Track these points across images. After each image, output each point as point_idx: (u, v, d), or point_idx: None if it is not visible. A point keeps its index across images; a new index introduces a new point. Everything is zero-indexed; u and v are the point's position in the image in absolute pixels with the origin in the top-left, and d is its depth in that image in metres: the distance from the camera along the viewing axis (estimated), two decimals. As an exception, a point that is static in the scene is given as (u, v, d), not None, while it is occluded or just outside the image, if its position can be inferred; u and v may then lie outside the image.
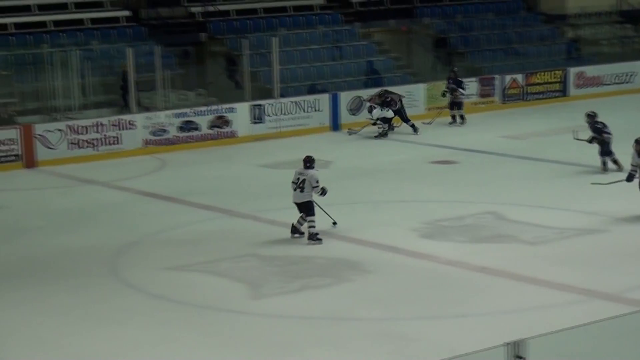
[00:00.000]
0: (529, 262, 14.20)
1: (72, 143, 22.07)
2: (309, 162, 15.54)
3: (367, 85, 27.12)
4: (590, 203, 17.22)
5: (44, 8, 26.40)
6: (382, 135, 24.29)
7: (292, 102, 25.07)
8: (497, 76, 28.39)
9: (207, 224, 16.77)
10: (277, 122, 24.64)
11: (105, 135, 22.47)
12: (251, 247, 15.25)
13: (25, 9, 26.20)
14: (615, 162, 19.13)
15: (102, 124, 22.51)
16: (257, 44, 26.58)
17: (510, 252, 14.76)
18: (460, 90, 25.66)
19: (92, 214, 17.74)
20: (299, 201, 15.41)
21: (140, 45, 25.26)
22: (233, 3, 29.08)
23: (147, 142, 23.01)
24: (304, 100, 25.17)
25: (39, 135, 21.75)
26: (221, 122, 24.03)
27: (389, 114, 24.52)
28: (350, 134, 24.55)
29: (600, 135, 19.31)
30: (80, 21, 26.40)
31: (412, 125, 24.76)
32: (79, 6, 26.94)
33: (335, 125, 25.45)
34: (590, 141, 19.46)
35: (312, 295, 13.14)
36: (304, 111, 25.11)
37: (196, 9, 28.21)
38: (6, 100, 23.51)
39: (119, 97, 24.67)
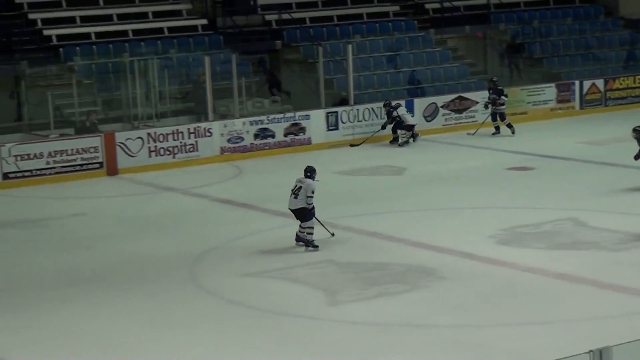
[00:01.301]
0: (610, 269, 13.96)
1: (151, 151, 22.31)
2: (309, 172, 15.69)
3: (441, 91, 26.91)
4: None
5: (124, 17, 26.80)
6: (405, 143, 24.16)
7: (367, 108, 25.01)
8: (575, 82, 27.97)
9: (283, 230, 16.78)
10: (352, 129, 24.60)
11: (183, 143, 22.66)
12: (327, 254, 15.22)
13: (106, 19, 26.63)
14: None
15: (180, 132, 22.72)
16: (332, 51, 26.61)
17: (590, 259, 14.53)
18: (503, 97, 25.13)
19: (171, 220, 17.90)
20: (293, 207, 15.53)
21: (216, 54, 25.48)
22: (308, 11, 29.15)
23: (223, 150, 23.16)
24: (379, 107, 25.07)
25: (121, 143, 22.03)
26: (296, 129, 24.10)
27: (412, 120, 24.34)
28: (352, 146, 24.28)
29: None
30: (159, 30, 26.73)
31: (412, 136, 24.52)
32: (158, 15, 27.28)
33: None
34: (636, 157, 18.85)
35: (389, 302, 13.07)
36: (379, 118, 25.00)
37: (271, 17, 28.34)
38: (89, 109, 23.86)
39: (196, 106, 24.87)
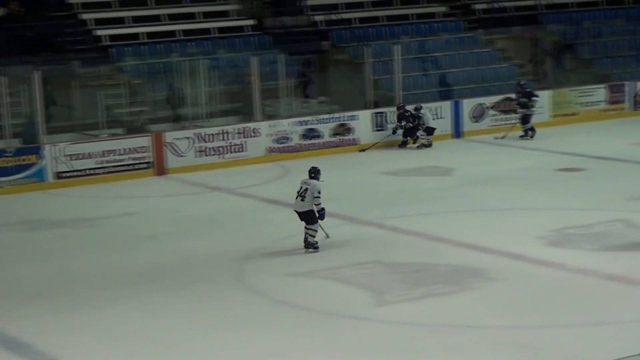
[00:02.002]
0: (663, 271, 13.79)
1: (199, 151, 22.42)
2: (313, 173, 15.66)
3: (489, 92, 26.74)
4: None
5: (173, 18, 26.98)
6: (424, 146, 23.98)
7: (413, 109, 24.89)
8: (627, 82, 27.66)
9: (330, 231, 16.76)
10: (399, 130, 24.48)
11: (230, 143, 22.76)
12: (374, 254, 15.20)
13: (156, 19, 26.82)
14: None
15: (227, 132, 22.82)
16: (380, 52, 26.55)
17: (642, 261, 14.37)
18: (535, 99, 24.73)
19: (219, 220, 17.97)
20: (300, 210, 15.48)
21: (264, 54, 25.54)
22: (356, 11, 29.12)
23: (270, 150, 23.21)
24: (426, 108, 24.95)
25: (169, 143, 22.16)
26: (343, 129, 24.08)
27: (434, 124, 24.20)
28: (362, 151, 23.91)
29: None
30: (207, 30, 26.87)
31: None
32: (206, 16, 27.43)
33: (457, 133, 25.22)
34: None
35: (436, 303, 13.03)
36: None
37: (319, 18, 28.36)
38: (139, 109, 24.03)
39: (243, 106, 24.92)
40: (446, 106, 25.33)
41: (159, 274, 14.77)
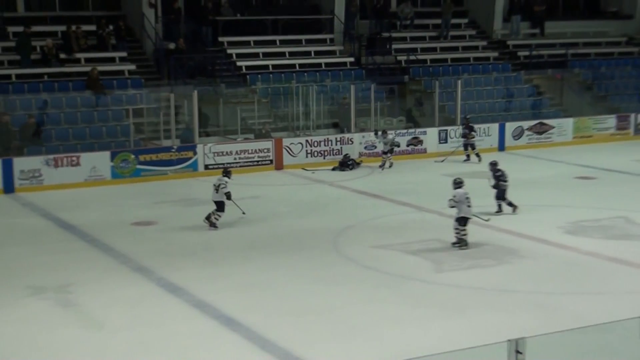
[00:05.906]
0: (651, 257, 13.62)
1: (308, 153, 22.77)
2: (225, 173, 15.82)
3: (526, 117, 26.45)
4: None
5: (293, 54, 27.33)
6: (387, 166, 22.16)
7: (469, 128, 24.80)
8: (632, 114, 27.14)
9: (403, 215, 16.91)
10: (457, 143, 24.43)
11: (331, 148, 23.05)
12: (436, 234, 15.27)
13: (280, 55, 27.22)
14: (510, 204, 16.90)
15: (329, 140, 23.10)
16: (446, 85, 26.51)
17: (636, 248, 14.20)
18: (473, 133, 23.31)
19: (321, 204, 18.16)
20: (214, 199, 15.62)
21: (359, 83, 25.73)
22: (429, 54, 29.13)
23: (361, 154, 23.42)
24: (478, 127, 24.88)
25: (286, 146, 22.51)
26: (416, 141, 24.17)
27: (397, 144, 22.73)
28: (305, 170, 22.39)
29: (497, 182, 17.16)
30: (318, 64, 27.12)
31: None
32: (318, 54, 27.67)
33: (502, 147, 25.06)
34: (493, 186, 17.17)
35: (481, 272, 13.11)
36: (478, 136, 24.80)
37: (401, 58, 28.43)
38: (265, 120, 24.47)
39: (341, 121, 25.09)
40: (494, 127, 25.19)
41: (276, 241, 15.03)
